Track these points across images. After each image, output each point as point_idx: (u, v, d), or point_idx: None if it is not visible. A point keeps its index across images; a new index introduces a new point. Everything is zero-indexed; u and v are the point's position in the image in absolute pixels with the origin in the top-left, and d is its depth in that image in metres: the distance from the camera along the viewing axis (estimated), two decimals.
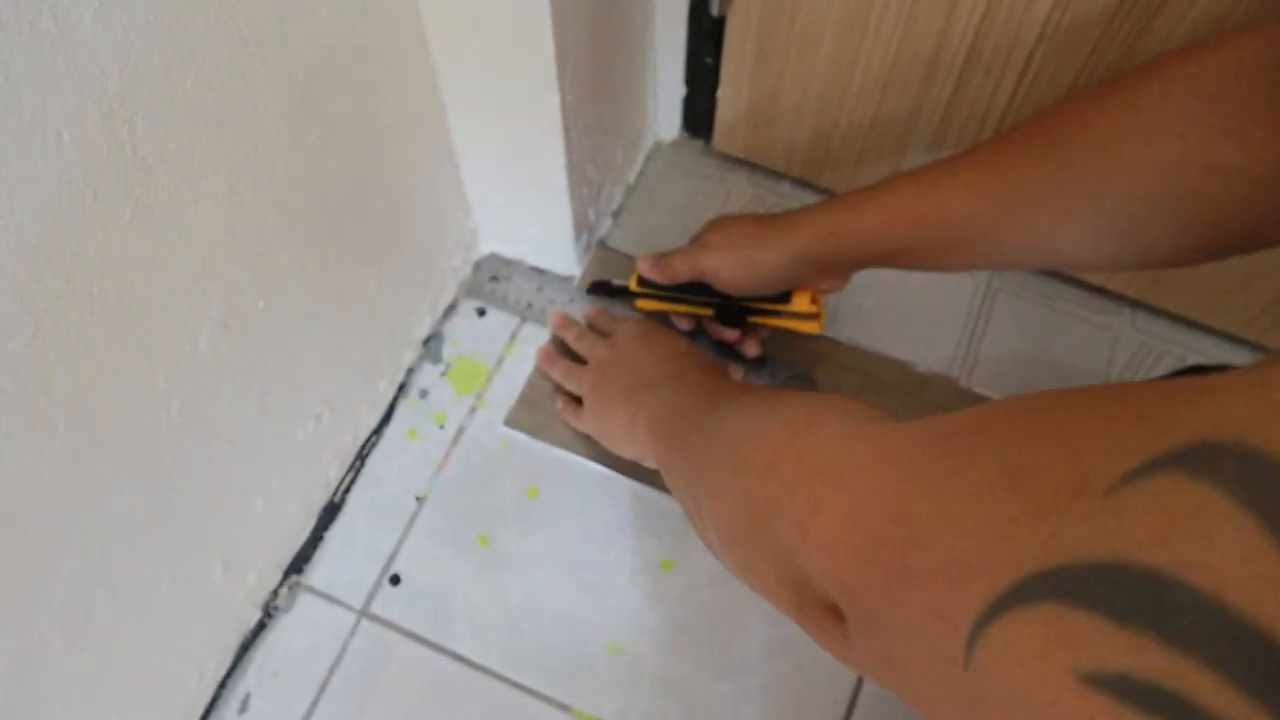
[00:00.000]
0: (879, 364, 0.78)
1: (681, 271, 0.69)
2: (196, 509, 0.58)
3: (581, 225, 0.78)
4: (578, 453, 0.74)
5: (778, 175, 0.87)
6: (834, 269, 0.64)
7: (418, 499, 0.74)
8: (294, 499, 0.69)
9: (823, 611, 0.36)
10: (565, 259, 0.81)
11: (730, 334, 0.74)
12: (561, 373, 0.74)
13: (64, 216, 0.39)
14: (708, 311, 0.72)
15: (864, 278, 0.82)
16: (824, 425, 0.40)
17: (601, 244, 0.84)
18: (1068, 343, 0.80)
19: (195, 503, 0.57)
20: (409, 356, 0.79)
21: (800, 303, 0.68)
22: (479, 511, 0.74)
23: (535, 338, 0.80)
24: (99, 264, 0.41)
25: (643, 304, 0.75)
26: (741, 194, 0.87)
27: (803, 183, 0.86)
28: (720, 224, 0.68)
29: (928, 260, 0.59)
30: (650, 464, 0.62)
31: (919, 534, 0.29)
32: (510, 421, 0.76)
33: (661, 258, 0.70)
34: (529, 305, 0.80)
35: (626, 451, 0.66)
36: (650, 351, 0.66)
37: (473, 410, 0.78)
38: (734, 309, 0.71)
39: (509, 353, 0.80)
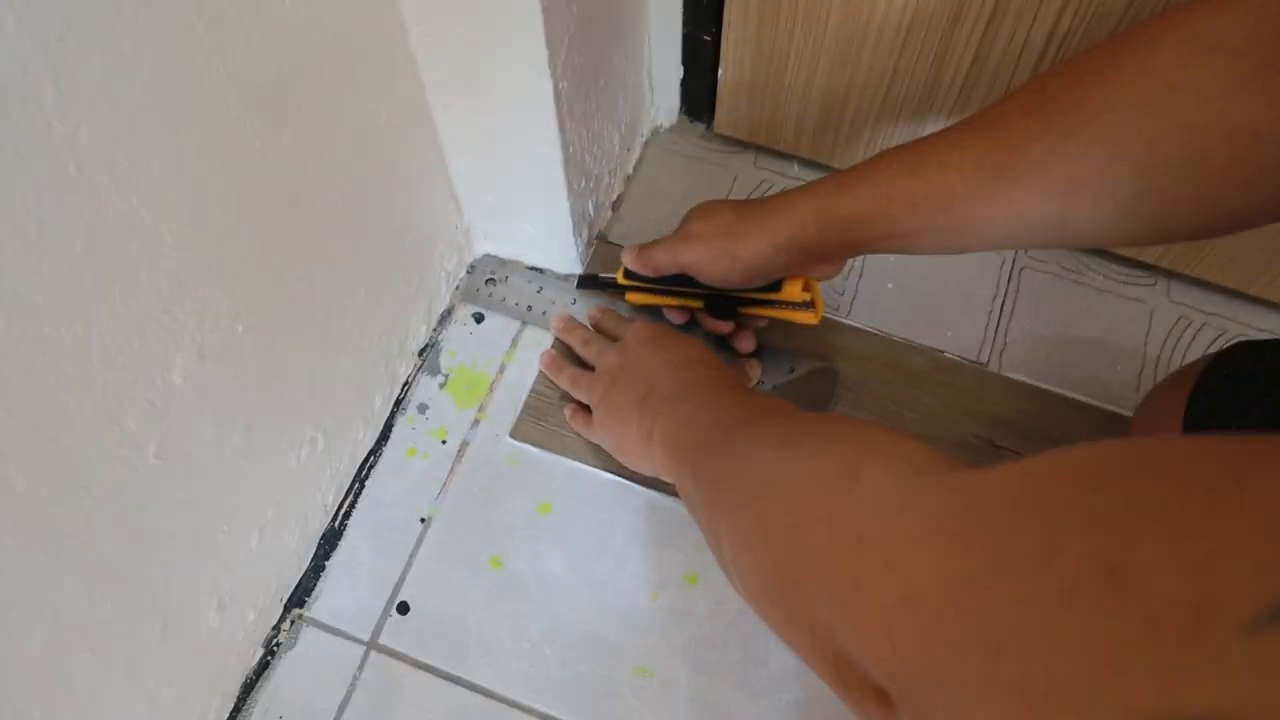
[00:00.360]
0: (904, 352, 0.74)
1: (663, 264, 0.64)
2: (185, 552, 0.53)
3: (580, 220, 0.73)
4: (590, 463, 0.70)
5: (785, 156, 0.82)
6: (824, 257, 0.60)
7: (423, 520, 0.70)
8: (291, 529, 0.65)
9: (867, 693, 0.31)
10: (565, 256, 0.76)
11: (723, 326, 0.69)
12: (569, 380, 0.70)
13: (1, 255, 0.34)
14: (697, 304, 0.68)
15: (881, 260, 0.78)
16: (861, 478, 0.34)
17: (602, 239, 0.79)
18: (1100, 318, 0.76)
19: (183, 546, 0.53)
20: (405, 369, 0.74)
21: (792, 291, 0.63)
22: (489, 531, 0.69)
23: (537, 342, 0.76)
24: (47, 304, 0.36)
25: (632, 297, 0.71)
26: (747, 178, 0.82)
27: (812, 163, 0.82)
28: (700, 212, 0.63)
29: (927, 242, 0.54)
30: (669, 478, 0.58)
31: (991, 636, 0.23)
32: (516, 433, 0.72)
33: (645, 249, 0.66)
34: (529, 308, 0.76)
35: (642, 467, 0.61)
36: (662, 357, 0.61)
37: (475, 423, 0.73)
38: (724, 300, 0.66)
39: (510, 360, 0.75)
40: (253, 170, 0.47)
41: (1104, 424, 0.71)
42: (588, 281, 0.75)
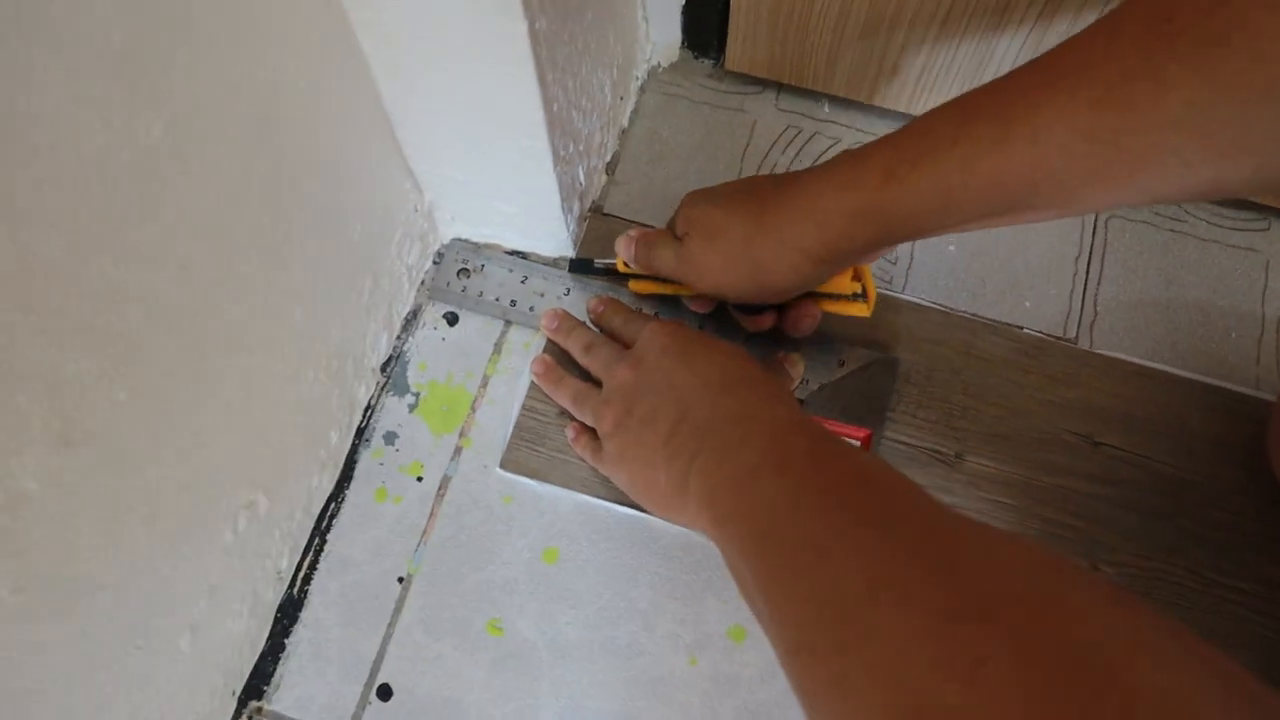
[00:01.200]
0: (976, 331, 0.60)
1: (667, 269, 0.53)
2: (102, 677, 0.40)
3: (569, 191, 0.58)
4: (601, 495, 0.57)
5: (814, 95, 0.67)
6: (873, 251, 0.47)
7: (401, 580, 0.57)
8: (236, 611, 0.51)
9: None
10: (553, 236, 0.61)
11: (763, 321, 0.55)
12: (569, 397, 0.56)
13: None
14: None
15: None
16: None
17: (596, 210, 0.64)
18: (1207, 275, 0.63)
19: (97, 670, 0.39)
20: (365, 391, 0.60)
21: (839, 283, 0.51)
22: (484, 589, 0.56)
23: (526, 344, 0.62)
24: None
25: (637, 285, 0.58)
26: (770, 123, 0.67)
27: (848, 101, 0.67)
28: (703, 217, 0.50)
29: (1009, 221, 0.41)
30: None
31: None
32: (508, 464, 0.58)
33: (645, 243, 0.54)
34: (512, 302, 0.61)
35: (675, 519, 0.48)
36: (692, 374, 0.47)
37: (457, 453, 0.59)
38: None
39: (495, 369, 0.61)
40: (110, 165, 0.33)
41: (1223, 408, 0.58)
42: (581, 266, 0.61)
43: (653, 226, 0.61)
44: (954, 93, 0.58)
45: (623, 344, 0.55)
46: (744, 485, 0.40)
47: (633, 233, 0.55)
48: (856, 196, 0.42)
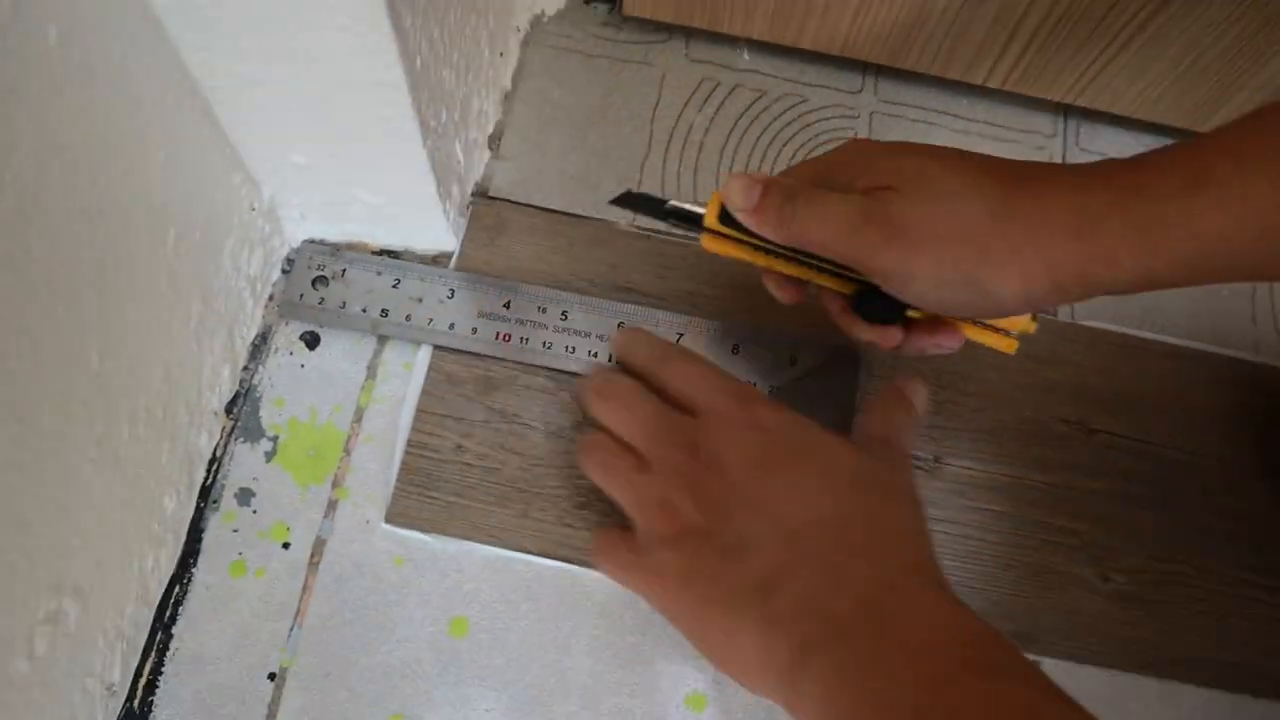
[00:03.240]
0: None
1: (819, 241, 0.36)
2: None
3: (445, 171, 0.47)
4: (518, 546, 0.46)
5: (731, 41, 0.57)
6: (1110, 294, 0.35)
7: (272, 677, 0.45)
8: None
9: None
10: (429, 227, 0.50)
11: (890, 337, 0.40)
12: (603, 473, 0.40)
13: None
14: (843, 287, 0.40)
15: None
16: None
17: (480, 194, 0.53)
18: None
19: None
20: (207, 440, 0.48)
21: (1019, 319, 0.39)
22: (380, 676, 0.45)
23: (405, 364, 0.50)
24: None
25: (711, 244, 0.41)
26: (681, 78, 0.57)
27: (773, 47, 0.57)
28: (917, 169, 0.34)
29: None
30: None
31: None
32: (395, 516, 0.47)
33: (779, 196, 0.36)
34: (384, 313, 0.49)
35: (758, 691, 0.35)
36: (798, 493, 0.35)
37: (331, 507, 0.48)
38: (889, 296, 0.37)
39: (369, 399, 0.50)
40: None
41: (1228, 378, 0.51)
42: (639, 203, 0.43)
43: (557, 212, 0.50)
44: (899, 31, 0.49)
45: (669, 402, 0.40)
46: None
47: (758, 175, 0.38)
48: (1146, 207, 0.31)
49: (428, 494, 0.47)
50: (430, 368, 0.49)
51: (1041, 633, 0.46)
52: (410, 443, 0.48)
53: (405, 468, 0.47)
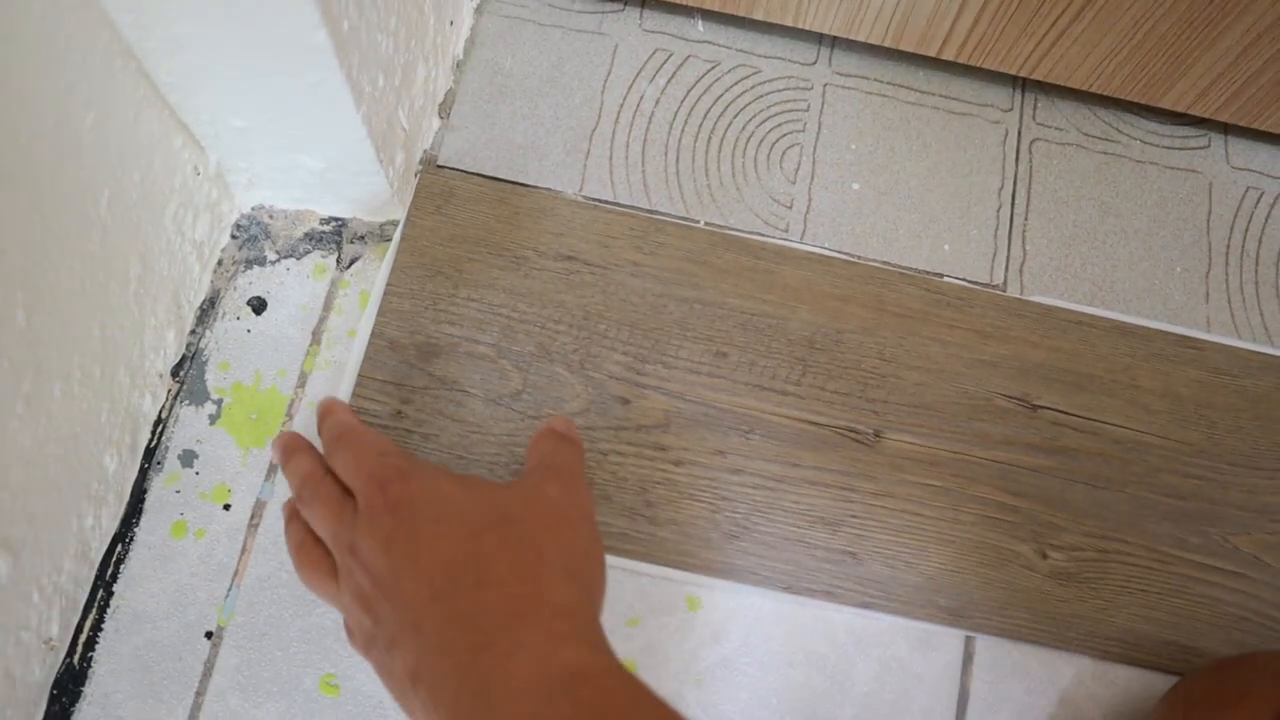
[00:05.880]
0: (889, 283, 0.51)
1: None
2: None
3: (386, 138, 0.47)
4: None
5: (686, 10, 0.57)
6: None
7: (209, 635, 0.45)
8: None
9: None
10: (372, 196, 0.50)
11: None
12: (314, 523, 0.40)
13: None
14: None
15: (839, 151, 0.54)
16: None
17: (430, 162, 0.53)
18: (1145, 203, 0.55)
19: None
20: (151, 403, 0.48)
21: None
22: (313, 637, 0.45)
23: (351, 331, 0.50)
24: None
25: None
26: (634, 48, 0.56)
27: (727, 17, 0.56)
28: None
29: None
30: None
31: None
32: None
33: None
34: (332, 282, 0.50)
35: None
36: (419, 573, 0.34)
37: (273, 471, 0.48)
38: None
39: (313, 364, 0.50)
40: None
41: (1174, 355, 0.50)
42: None
43: (505, 181, 0.50)
44: (850, 2, 0.49)
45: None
46: None
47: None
48: None
49: None
50: (373, 333, 0.49)
51: (976, 608, 0.46)
52: (351, 408, 0.48)
53: None
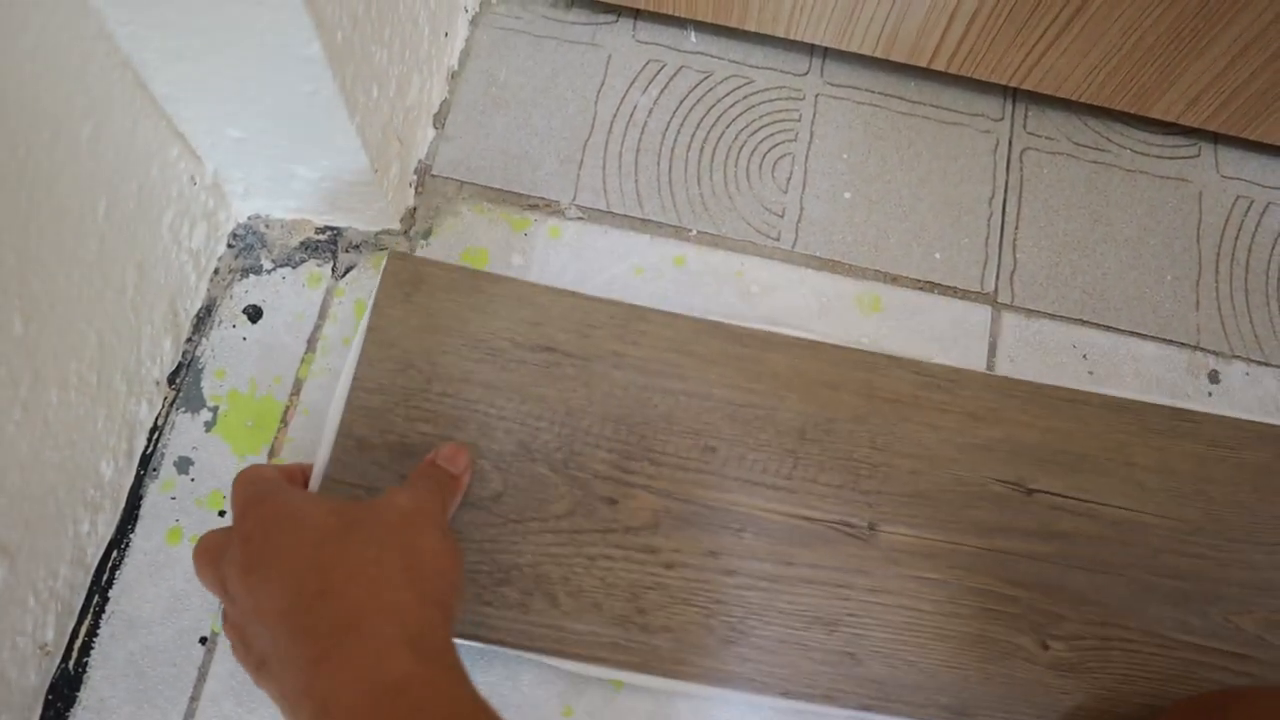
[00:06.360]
0: (877, 368, 0.51)
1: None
2: None
3: (381, 149, 0.48)
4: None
5: (678, 22, 0.57)
6: None
7: (204, 641, 0.46)
8: None
9: None
10: (369, 206, 0.51)
11: None
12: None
13: None
14: None
15: (830, 160, 0.54)
16: None
17: (425, 172, 0.54)
18: (1135, 211, 0.55)
19: None
20: (147, 410, 0.49)
21: None
22: None
23: (346, 339, 0.51)
24: None
25: None
26: (627, 59, 0.57)
27: (719, 28, 0.57)
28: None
29: None
30: None
31: None
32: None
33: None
34: (327, 290, 0.50)
35: None
36: (267, 595, 0.34)
37: None
38: None
39: (308, 371, 0.50)
40: None
41: (1167, 429, 0.51)
42: None
43: (498, 190, 0.50)
44: (840, 13, 0.49)
45: None
46: None
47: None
48: None
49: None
50: (340, 432, 0.46)
51: (978, 705, 0.45)
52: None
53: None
